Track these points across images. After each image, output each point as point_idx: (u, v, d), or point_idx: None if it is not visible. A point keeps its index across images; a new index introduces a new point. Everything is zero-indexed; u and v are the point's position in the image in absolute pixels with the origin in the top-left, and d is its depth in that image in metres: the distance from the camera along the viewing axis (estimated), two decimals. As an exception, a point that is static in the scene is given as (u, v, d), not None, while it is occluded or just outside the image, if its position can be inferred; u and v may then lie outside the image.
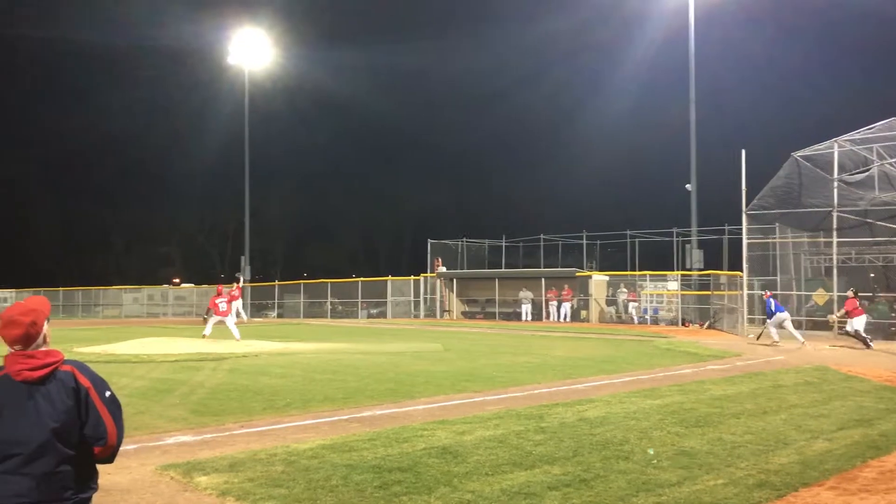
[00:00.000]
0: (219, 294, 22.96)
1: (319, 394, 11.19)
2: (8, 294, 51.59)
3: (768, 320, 21.35)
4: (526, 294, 35.52)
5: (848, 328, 20.75)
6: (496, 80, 70.62)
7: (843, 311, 21.05)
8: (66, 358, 3.15)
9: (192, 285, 50.67)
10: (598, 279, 35.14)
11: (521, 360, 16.75)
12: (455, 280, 38.37)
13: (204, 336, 21.73)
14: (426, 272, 39.36)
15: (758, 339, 21.63)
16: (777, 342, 20.89)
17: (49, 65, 76.74)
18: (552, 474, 6.44)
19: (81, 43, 70.81)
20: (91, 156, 78.61)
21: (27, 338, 3.09)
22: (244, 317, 34.21)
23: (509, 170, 72.41)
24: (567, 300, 34.44)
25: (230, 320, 22.67)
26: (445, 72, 68.03)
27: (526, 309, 35.39)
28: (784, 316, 21.26)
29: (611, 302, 34.85)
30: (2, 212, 71.28)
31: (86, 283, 53.34)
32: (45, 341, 3.16)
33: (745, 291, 24.61)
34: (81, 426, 3.06)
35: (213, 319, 22.56)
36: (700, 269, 32.42)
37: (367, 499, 5.75)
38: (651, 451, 7.26)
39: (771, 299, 21.60)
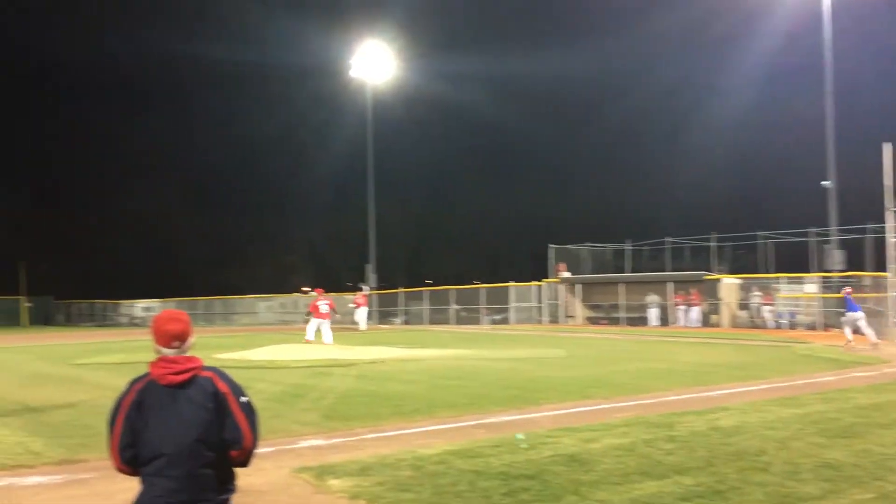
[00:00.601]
0: (319, 297, 23.43)
1: (444, 400, 11.29)
2: (154, 303, 55.01)
3: (842, 319, 21.62)
4: (652, 298, 34.63)
5: None
6: (610, 81, 68.97)
7: None
8: (205, 364, 3.31)
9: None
10: (729, 282, 33.79)
11: (649, 366, 16.33)
12: (578, 285, 37.89)
13: (307, 341, 22.23)
14: (548, 277, 39.06)
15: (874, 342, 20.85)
16: (850, 341, 20.84)
17: (184, 84, 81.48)
18: (684, 485, 6.22)
19: (213, 62, 74.86)
20: (225, 170, 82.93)
21: (185, 334, 3.28)
22: (363, 326, 34.93)
23: (631, 172, 70.61)
24: (696, 304, 33.33)
25: (327, 325, 23.02)
26: (559, 75, 67.05)
27: (652, 314, 34.50)
28: (858, 315, 21.11)
29: (743, 306, 33.43)
30: (148, 226, 76.10)
31: (223, 293, 56.12)
32: (190, 346, 3.34)
33: (893, 293, 23.06)
34: (220, 430, 3.20)
35: (314, 323, 22.91)
36: (841, 271, 30.62)
37: (494, 505, 5.75)
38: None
39: (849, 297, 21.54)
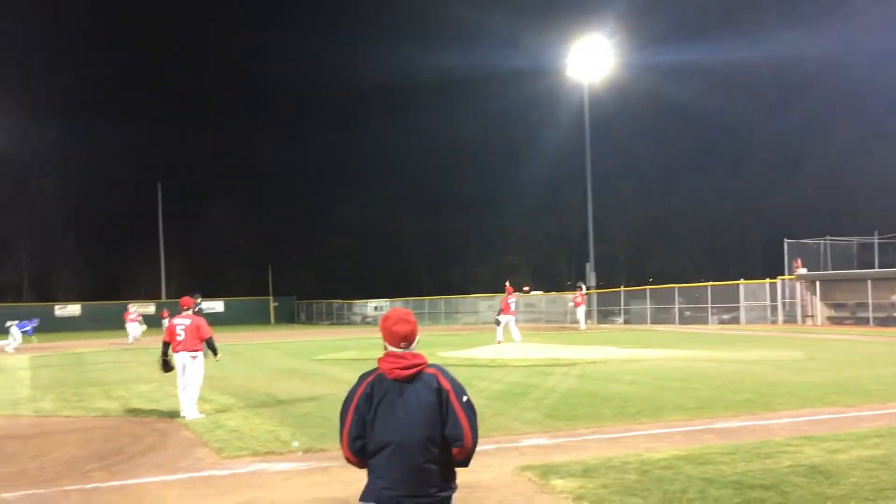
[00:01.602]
0: (509, 293, 23.05)
1: (670, 402, 10.89)
2: (384, 303, 58.19)
3: None
4: (902, 296, 31.19)
5: None
6: (835, 60, 62.63)
7: None
8: (429, 362, 3.42)
9: (541, 292, 52.56)
10: None
11: (904, 371, 14.71)
12: (818, 282, 35.02)
13: (498, 342, 21.93)
14: (783, 275, 36.47)
15: None
16: None
17: (402, 88, 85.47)
18: (952, 506, 5.53)
19: (430, 66, 78.09)
20: (444, 171, 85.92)
21: (412, 335, 3.42)
22: (582, 325, 34.51)
23: (873, 158, 63.78)
24: (962, 302, 29.57)
25: (513, 321, 22.64)
26: (778, 60, 61.97)
27: (906, 313, 31.05)
28: None
29: None
30: (377, 230, 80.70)
31: (447, 292, 58.11)
32: (416, 344, 3.47)
33: None
34: (442, 426, 3.29)
35: (504, 320, 22.54)
36: None
37: (728, 516, 5.44)
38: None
39: None
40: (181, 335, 10.63)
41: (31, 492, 6.82)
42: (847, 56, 62.11)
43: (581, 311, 35.23)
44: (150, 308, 55.88)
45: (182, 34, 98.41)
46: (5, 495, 6.69)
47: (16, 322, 29.53)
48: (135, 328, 31.43)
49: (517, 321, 23.87)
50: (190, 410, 10.61)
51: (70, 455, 8.45)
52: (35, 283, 75.53)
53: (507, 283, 23.59)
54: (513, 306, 22.98)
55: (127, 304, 34.89)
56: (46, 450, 8.78)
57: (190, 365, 10.62)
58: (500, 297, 47.24)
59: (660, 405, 10.63)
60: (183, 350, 10.60)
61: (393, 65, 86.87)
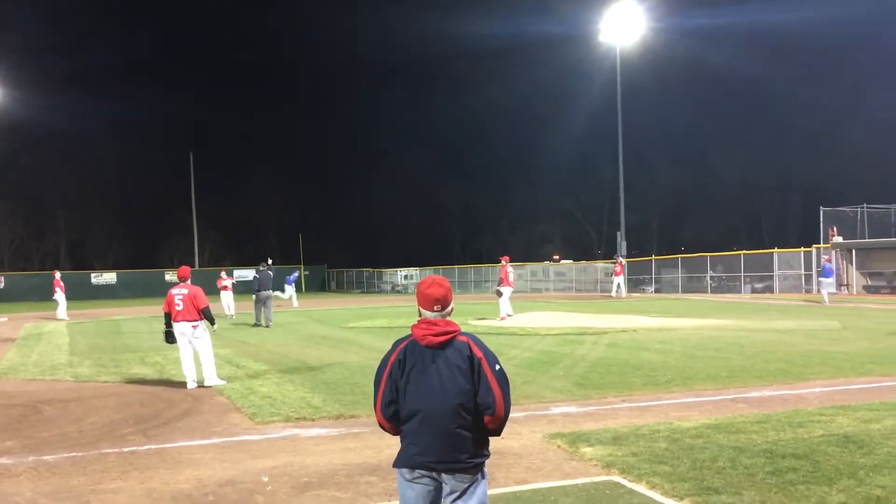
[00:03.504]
0: (507, 264, 22.54)
1: (701, 371, 10.85)
2: (413, 272, 58.39)
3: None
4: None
5: None
6: (870, 20, 60.77)
7: None
8: (462, 330, 3.43)
9: (571, 261, 52.34)
10: None
11: (942, 341, 14.47)
12: (854, 250, 34.46)
13: (502, 318, 21.19)
14: (819, 243, 35.93)
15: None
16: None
17: (432, 58, 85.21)
18: None
19: (461, 35, 77.73)
20: (475, 141, 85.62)
21: (446, 299, 3.43)
22: (613, 294, 34.86)
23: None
24: None
25: (507, 292, 22.04)
26: (813, 22, 60.43)
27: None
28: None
29: None
30: (407, 198, 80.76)
31: (476, 262, 58.12)
32: (450, 311, 3.48)
33: None
34: (474, 393, 3.29)
35: (506, 294, 21.88)
36: None
37: (758, 484, 5.42)
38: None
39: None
40: (180, 305, 10.52)
41: (71, 454, 6.99)
42: (890, 20, 60.50)
43: (615, 281, 35.57)
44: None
45: (217, 8, 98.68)
46: (46, 458, 6.87)
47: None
48: (228, 297, 27.15)
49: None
50: (210, 377, 10.66)
51: (108, 419, 8.64)
52: (72, 251, 76.89)
53: (503, 256, 23.35)
54: (511, 277, 22.51)
55: (220, 272, 29.52)
56: (85, 414, 8.98)
57: (191, 334, 10.59)
58: (529, 266, 47.13)
59: (690, 374, 10.59)
60: (183, 320, 10.53)
61: (427, 35, 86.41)
